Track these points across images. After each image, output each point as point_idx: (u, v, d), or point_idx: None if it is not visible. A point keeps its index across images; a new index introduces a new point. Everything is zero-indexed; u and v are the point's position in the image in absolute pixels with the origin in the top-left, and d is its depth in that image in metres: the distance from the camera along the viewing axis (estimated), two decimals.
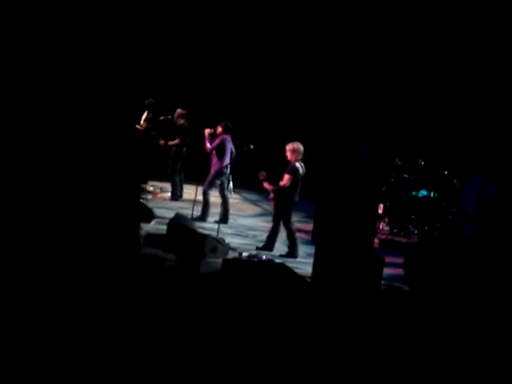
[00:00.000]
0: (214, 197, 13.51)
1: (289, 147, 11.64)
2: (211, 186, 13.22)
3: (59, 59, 10.09)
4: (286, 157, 11.69)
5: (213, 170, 13.20)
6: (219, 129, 13.23)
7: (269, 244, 11.76)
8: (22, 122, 10.29)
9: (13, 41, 9.70)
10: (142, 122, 15.17)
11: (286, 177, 11.52)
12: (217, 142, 13.15)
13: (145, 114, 15.17)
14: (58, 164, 10.99)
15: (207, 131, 13.32)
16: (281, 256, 11.58)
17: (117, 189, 11.08)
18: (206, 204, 13.22)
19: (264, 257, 11.10)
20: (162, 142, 14.66)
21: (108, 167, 11.33)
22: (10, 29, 9.63)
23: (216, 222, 12.51)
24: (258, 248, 11.71)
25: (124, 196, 11.04)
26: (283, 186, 11.53)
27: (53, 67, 10.14)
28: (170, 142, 14.58)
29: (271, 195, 11.74)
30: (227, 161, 13.05)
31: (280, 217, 11.73)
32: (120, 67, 11.87)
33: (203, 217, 13.16)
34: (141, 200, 13.68)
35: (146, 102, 15.11)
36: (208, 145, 13.25)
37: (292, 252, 11.69)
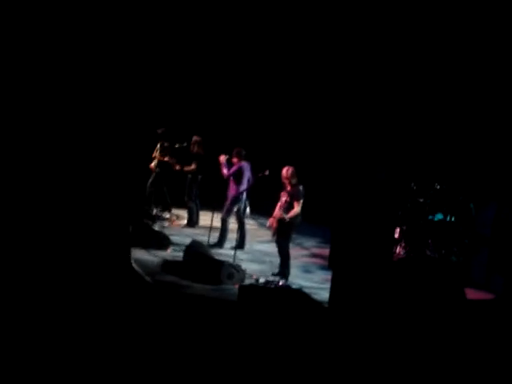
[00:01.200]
0: (231, 223, 13.53)
1: (289, 173, 11.53)
2: (229, 212, 13.24)
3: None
4: (285, 181, 11.55)
5: (230, 196, 13.24)
6: (234, 156, 13.30)
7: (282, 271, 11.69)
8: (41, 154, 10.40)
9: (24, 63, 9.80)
10: (155, 152, 15.28)
11: (298, 203, 11.46)
12: (235, 168, 13.19)
13: (158, 145, 15.28)
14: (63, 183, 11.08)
15: (222, 157, 13.38)
16: (273, 274, 11.55)
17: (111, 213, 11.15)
18: (224, 231, 13.22)
19: (281, 282, 11.07)
20: (177, 167, 14.76)
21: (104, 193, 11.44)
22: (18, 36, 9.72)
23: (232, 247, 12.51)
24: (273, 274, 11.65)
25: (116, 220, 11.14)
26: (296, 214, 11.47)
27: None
28: (186, 168, 14.65)
29: (274, 224, 11.63)
30: (244, 187, 13.08)
31: (286, 242, 11.68)
32: (132, 90, 11.96)
33: (221, 243, 13.17)
34: (156, 227, 13.78)
35: (159, 131, 15.22)
36: (225, 171, 13.29)
37: (287, 275, 11.58)
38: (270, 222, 11.72)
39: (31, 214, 11.34)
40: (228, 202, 13.22)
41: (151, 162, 15.28)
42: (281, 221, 11.50)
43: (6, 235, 10.17)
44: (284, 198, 11.56)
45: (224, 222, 13.19)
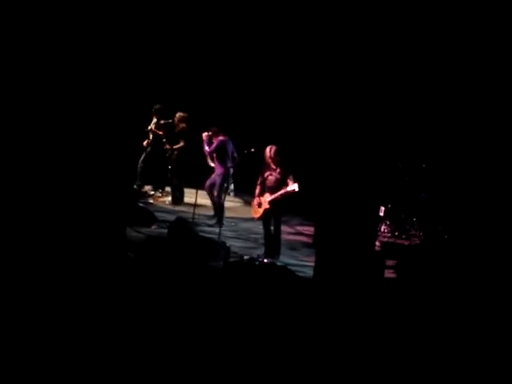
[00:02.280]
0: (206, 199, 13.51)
1: (273, 152, 11.40)
2: (221, 189, 13.19)
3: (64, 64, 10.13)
4: (270, 161, 11.41)
5: (217, 173, 13.22)
6: (213, 135, 13.37)
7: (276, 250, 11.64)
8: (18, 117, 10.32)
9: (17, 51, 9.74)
10: (151, 126, 15.17)
11: (291, 179, 11.36)
12: (215, 144, 13.24)
13: (154, 120, 15.17)
14: (53, 164, 11.02)
15: (205, 135, 13.40)
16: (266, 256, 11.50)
17: (106, 189, 11.11)
18: (220, 209, 13.13)
19: (265, 260, 11.07)
20: (168, 146, 14.67)
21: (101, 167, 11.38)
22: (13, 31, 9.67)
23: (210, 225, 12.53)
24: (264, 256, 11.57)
25: (113, 196, 11.10)
26: (295, 191, 11.30)
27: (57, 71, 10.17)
28: (175, 146, 14.58)
29: (266, 205, 11.50)
30: (230, 163, 13.08)
31: (279, 220, 11.64)
32: (122, 70, 11.89)
33: (220, 221, 13.06)
34: (141, 203, 13.72)
35: (156, 107, 15.10)
36: (206, 148, 13.37)
37: (277, 254, 11.54)
38: (257, 202, 11.65)
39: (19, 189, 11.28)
40: (218, 180, 13.18)
41: (145, 139, 15.18)
42: (274, 202, 11.43)
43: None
44: (272, 177, 11.47)
45: (219, 199, 13.15)
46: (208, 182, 13.42)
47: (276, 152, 11.40)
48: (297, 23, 14.46)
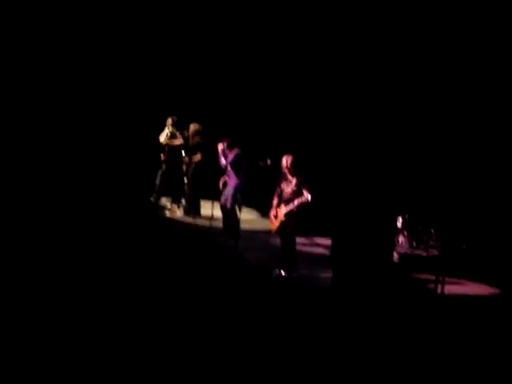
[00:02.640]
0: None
1: (289, 162, 11.32)
2: (235, 201, 13.13)
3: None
4: (286, 171, 11.31)
5: (231, 185, 13.17)
6: (228, 146, 13.31)
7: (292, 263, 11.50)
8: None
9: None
10: (164, 138, 15.14)
11: (307, 189, 11.24)
12: (232, 156, 13.17)
13: (166, 131, 15.13)
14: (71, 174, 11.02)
15: (220, 148, 13.33)
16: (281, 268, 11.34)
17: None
18: (235, 220, 13.05)
19: (283, 273, 10.99)
20: (186, 159, 14.63)
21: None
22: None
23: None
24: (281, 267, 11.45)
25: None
26: (308, 201, 11.22)
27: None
28: (193, 158, 14.54)
29: (282, 218, 11.37)
30: (243, 175, 13.04)
31: (294, 233, 11.50)
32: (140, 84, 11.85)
33: (237, 234, 12.97)
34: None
35: (173, 118, 15.07)
36: (223, 160, 13.28)
37: (293, 266, 11.34)
38: (273, 214, 11.53)
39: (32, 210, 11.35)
40: (231, 192, 13.14)
41: (161, 152, 15.15)
42: (289, 214, 11.33)
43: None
44: (288, 188, 11.38)
45: (233, 210, 13.08)
46: (222, 198, 13.30)
47: (292, 162, 11.31)
48: (308, 31, 14.44)
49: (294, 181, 11.30)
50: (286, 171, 11.34)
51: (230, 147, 13.37)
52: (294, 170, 11.33)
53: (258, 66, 17.01)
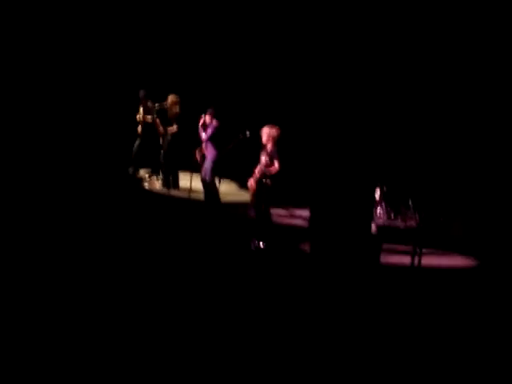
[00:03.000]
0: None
1: (270, 132, 11.36)
2: (213, 174, 13.11)
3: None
4: (264, 141, 11.37)
5: (210, 158, 13.12)
6: (208, 117, 13.23)
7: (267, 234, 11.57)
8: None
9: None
10: (139, 114, 15.12)
11: (278, 162, 11.35)
12: (211, 130, 13.12)
13: (141, 106, 15.10)
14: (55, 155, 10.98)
15: (201, 121, 13.29)
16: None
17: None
18: (216, 192, 13.09)
19: (261, 244, 11.03)
20: (161, 128, 14.57)
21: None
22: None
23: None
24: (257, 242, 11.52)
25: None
26: (276, 171, 11.35)
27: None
28: (169, 130, 14.49)
29: (253, 183, 11.51)
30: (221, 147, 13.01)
31: (267, 202, 11.56)
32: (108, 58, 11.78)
33: (218, 204, 12.99)
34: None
35: (140, 93, 15.05)
36: (203, 135, 13.22)
37: (269, 237, 11.42)
38: (250, 183, 11.61)
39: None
40: (210, 164, 13.09)
41: (137, 126, 15.12)
42: (261, 183, 11.38)
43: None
44: (263, 159, 11.42)
45: (212, 183, 13.06)
46: (203, 171, 13.26)
47: (271, 133, 11.35)
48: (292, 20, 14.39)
49: (268, 151, 11.33)
50: (265, 142, 11.36)
51: (212, 117, 13.29)
52: (273, 141, 11.35)
53: (237, 37, 16.94)
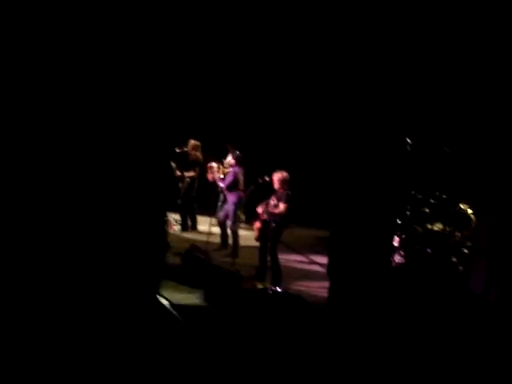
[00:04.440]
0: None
1: (279, 177, 11.55)
2: (236, 217, 13.18)
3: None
4: (274, 186, 11.60)
5: (231, 202, 13.17)
6: (232, 160, 13.37)
7: (275, 278, 11.61)
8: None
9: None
10: None
11: (284, 205, 11.46)
12: (230, 177, 13.18)
13: None
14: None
15: (214, 169, 13.50)
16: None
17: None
18: (235, 237, 13.16)
19: (279, 288, 11.03)
20: (178, 173, 14.68)
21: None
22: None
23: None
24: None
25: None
26: (281, 214, 11.47)
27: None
28: (186, 174, 14.61)
29: (258, 225, 11.66)
30: (242, 191, 13.10)
31: (274, 246, 11.62)
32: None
33: (236, 252, 13.08)
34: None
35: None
36: (221, 184, 13.34)
37: (279, 280, 11.50)
38: (256, 225, 11.81)
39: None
40: (232, 209, 13.13)
41: None
42: (266, 224, 11.52)
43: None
44: (272, 201, 11.62)
45: (235, 227, 13.12)
46: (222, 214, 13.35)
47: (282, 178, 11.57)
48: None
49: (279, 195, 11.52)
50: (277, 187, 11.57)
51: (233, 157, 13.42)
52: (284, 186, 11.53)
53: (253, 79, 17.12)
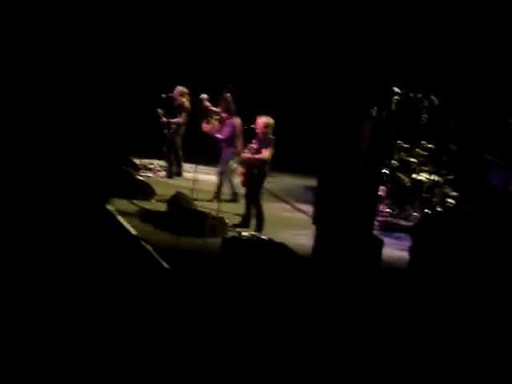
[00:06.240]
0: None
1: (264, 121, 11.46)
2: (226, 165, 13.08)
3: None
4: (257, 130, 11.48)
5: (225, 159, 13.05)
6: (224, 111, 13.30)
7: (258, 225, 11.62)
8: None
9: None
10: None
11: (268, 150, 11.40)
12: (229, 129, 12.98)
13: None
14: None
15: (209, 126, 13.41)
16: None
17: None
18: (231, 184, 13.12)
19: (264, 236, 11.02)
20: (164, 119, 14.50)
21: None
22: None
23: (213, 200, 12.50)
24: (234, 225, 11.57)
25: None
26: (265, 160, 11.43)
27: None
28: (172, 120, 14.45)
29: (242, 171, 11.65)
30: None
31: (257, 192, 11.59)
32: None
33: (236, 196, 13.03)
34: (140, 177, 13.56)
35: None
36: (220, 136, 13.15)
37: (261, 227, 11.51)
38: (239, 170, 11.86)
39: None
40: (227, 159, 13.05)
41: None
42: (250, 171, 11.49)
43: None
44: (254, 145, 11.57)
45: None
46: (220, 168, 13.22)
47: (264, 123, 11.45)
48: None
49: (261, 139, 11.48)
50: (259, 131, 11.51)
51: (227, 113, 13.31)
52: (267, 130, 11.45)
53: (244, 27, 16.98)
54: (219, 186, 13.10)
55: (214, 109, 14.29)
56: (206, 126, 13.93)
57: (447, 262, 9.31)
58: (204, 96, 14.45)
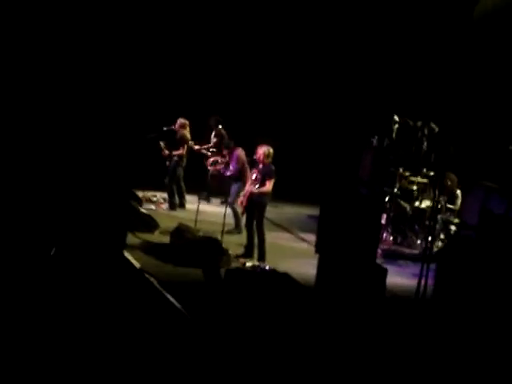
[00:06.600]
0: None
1: (264, 150, 11.48)
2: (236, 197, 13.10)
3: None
4: (258, 160, 11.53)
5: (235, 186, 13.04)
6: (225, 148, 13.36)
7: (261, 254, 11.63)
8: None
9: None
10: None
11: (270, 181, 11.44)
12: (235, 164, 13.01)
13: None
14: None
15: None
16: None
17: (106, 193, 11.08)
18: (236, 214, 13.13)
19: (267, 267, 11.04)
20: (166, 152, 14.59)
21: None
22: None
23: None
24: (237, 256, 11.57)
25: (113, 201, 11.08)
26: (268, 191, 11.48)
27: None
28: (174, 152, 14.53)
29: (244, 200, 11.64)
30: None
31: (260, 222, 11.60)
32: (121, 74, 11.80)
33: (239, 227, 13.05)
34: (143, 210, 13.58)
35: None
36: (228, 172, 13.18)
37: (263, 256, 11.52)
38: (240, 200, 11.83)
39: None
40: (234, 187, 13.06)
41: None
42: (252, 200, 11.49)
43: None
44: (255, 175, 11.60)
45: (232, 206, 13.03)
46: (231, 199, 13.19)
47: (264, 153, 11.48)
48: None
49: (262, 169, 11.51)
50: (260, 160, 11.56)
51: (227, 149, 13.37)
52: (267, 160, 11.48)
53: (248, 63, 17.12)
54: (235, 215, 13.08)
55: (204, 147, 14.41)
56: (213, 169, 14.07)
57: (477, 289, 9.23)
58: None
